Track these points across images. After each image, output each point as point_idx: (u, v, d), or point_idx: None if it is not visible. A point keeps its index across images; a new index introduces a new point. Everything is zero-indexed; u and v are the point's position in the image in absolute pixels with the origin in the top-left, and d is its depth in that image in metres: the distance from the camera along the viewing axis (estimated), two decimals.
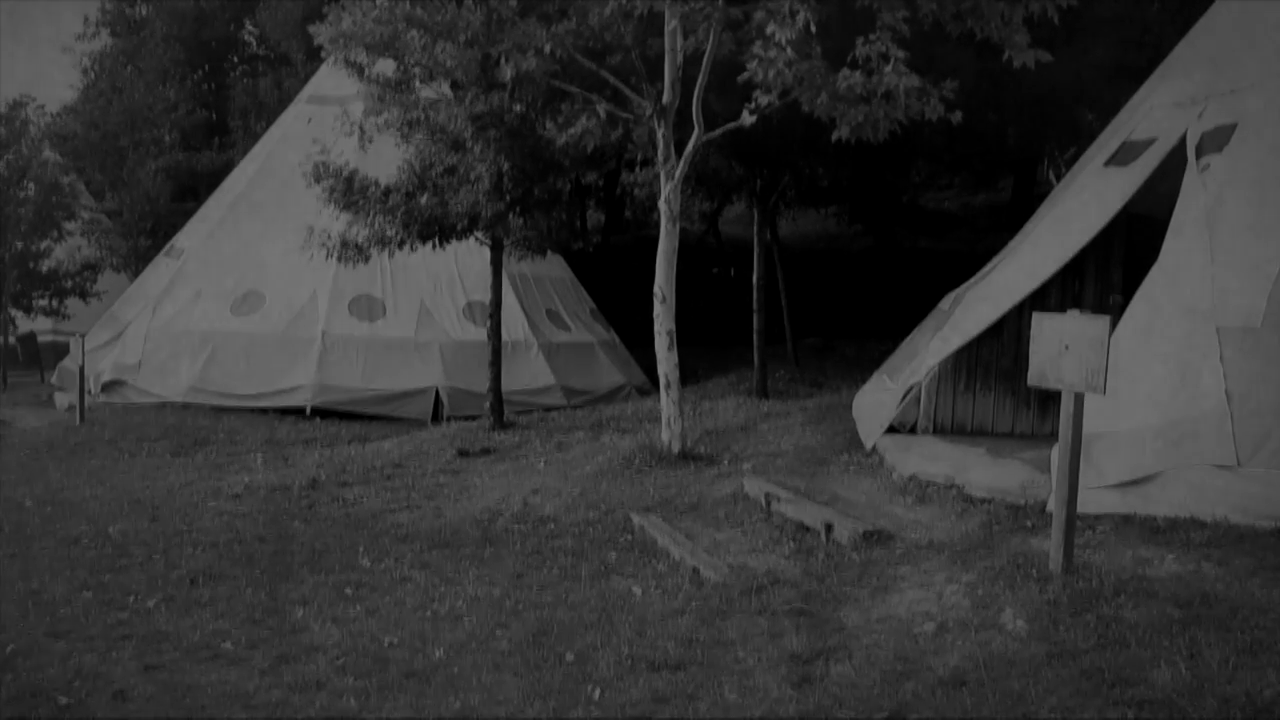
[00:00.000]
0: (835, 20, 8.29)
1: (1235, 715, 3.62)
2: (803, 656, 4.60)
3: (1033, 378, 5.25)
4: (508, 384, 12.66)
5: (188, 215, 20.08)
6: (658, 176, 9.69)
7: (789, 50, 7.72)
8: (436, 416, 14.28)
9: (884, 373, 9.64)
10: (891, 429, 8.42)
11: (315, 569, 6.59)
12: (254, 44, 32.78)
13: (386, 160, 11.95)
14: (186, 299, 16.25)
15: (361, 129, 11.71)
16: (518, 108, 10.76)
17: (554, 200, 12.38)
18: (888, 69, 7.86)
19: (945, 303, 9.37)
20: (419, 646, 5.12)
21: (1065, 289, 8.31)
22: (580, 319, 17.15)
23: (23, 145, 20.54)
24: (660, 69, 9.22)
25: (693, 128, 8.98)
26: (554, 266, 17.10)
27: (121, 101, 25.35)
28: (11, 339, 21.68)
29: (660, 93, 9.21)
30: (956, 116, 8.25)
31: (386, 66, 11.25)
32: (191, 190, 24.69)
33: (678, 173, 9.23)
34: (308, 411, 14.23)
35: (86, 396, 14.42)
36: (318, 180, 11.59)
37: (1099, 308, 7.96)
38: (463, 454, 10.60)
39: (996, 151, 16.88)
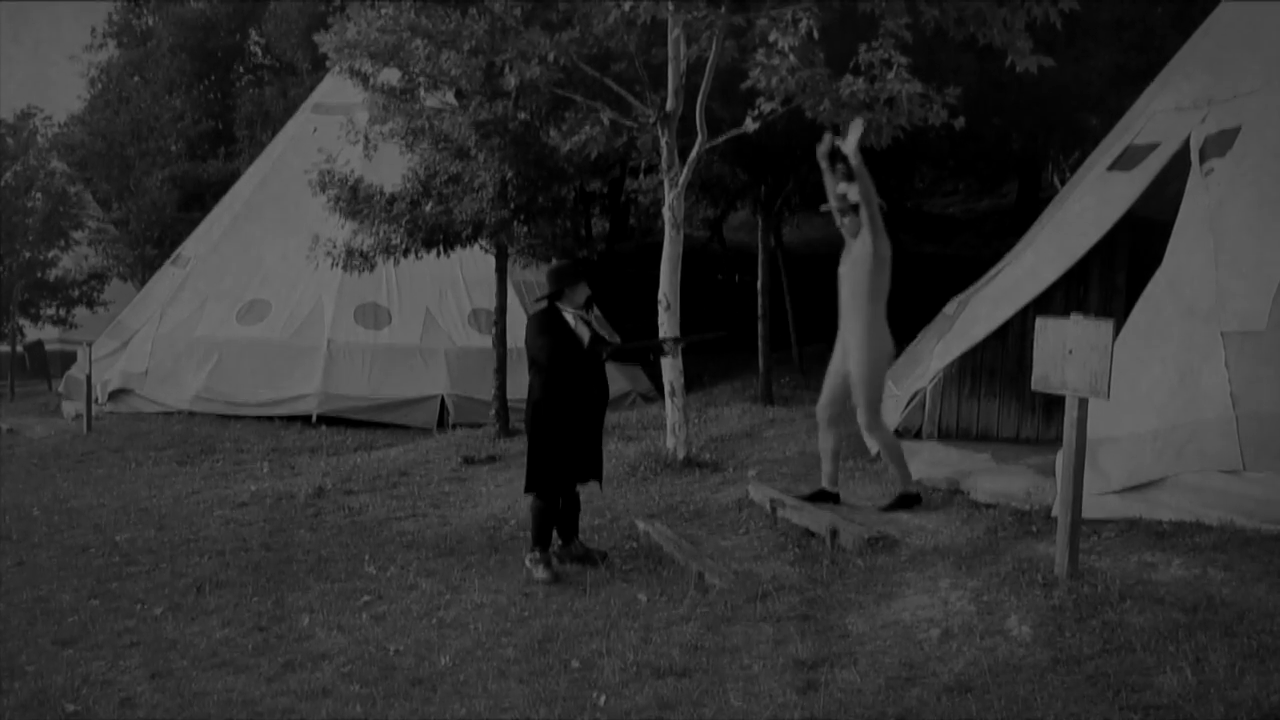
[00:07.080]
0: (837, 27, 8.31)
1: None
2: (808, 663, 4.60)
3: (1036, 382, 5.24)
4: (513, 391, 12.65)
5: (194, 224, 20.16)
6: (661, 183, 9.71)
7: (791, 57, 7.75)
8: (442, 424, 14.29)
9: (888, 378, 9.63)
10: (896, 434, 8.41)
11: (321, 576, 6.59)
12: (260, 53, 33.01)
13: (391, 168, 11.99)
14: (193, 307, 16.30)
15: (366, 137, 11.76)
16: (522, 116, 10.79)
17: (558, 208, 12.43)
18: (890, 75, 7.89)
19: (950, 308, 9.36)
20: (425, 654, 5.12)
21: (1070, 293, 8.29)
22: None
23: (30, 155, 20.66)
24: (663, 76, 9.25)
25: (696, 135, 9.00)
26: None
27: (128, 111, 25.47)
28: (19, 348, 21.75)
29: (664, 100, 9.23)
30: (959, 122, 8.28)
31: (391, 75, 11.28)
32: (198, 199, 24.80)
33: (681, 180, 9.25)
34: (314, 419, 14.25)
35: (93, 405, 14.47)
36: (323, 188, 11.64)
37: (1103, 312, 7.95)
38: (468, 461, 10.61)
39: (1000, 156, 16.89)
